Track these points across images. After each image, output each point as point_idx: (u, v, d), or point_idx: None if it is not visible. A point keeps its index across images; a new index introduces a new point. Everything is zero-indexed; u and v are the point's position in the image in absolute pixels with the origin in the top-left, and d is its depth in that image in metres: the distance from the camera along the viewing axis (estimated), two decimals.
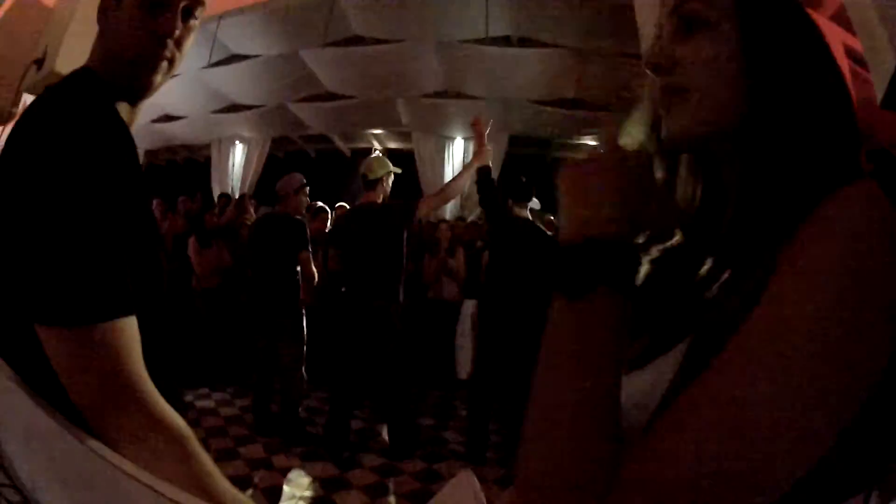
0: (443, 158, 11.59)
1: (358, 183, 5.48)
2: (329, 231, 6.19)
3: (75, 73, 1.32)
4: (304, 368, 5.72)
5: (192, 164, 14.79)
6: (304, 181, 5.83)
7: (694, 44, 0.86)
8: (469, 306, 7.37)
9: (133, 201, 1.21)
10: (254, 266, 5.89)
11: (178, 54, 1.36)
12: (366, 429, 5.93)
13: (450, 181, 5.25)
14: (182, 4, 1.31)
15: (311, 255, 5.70)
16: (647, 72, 0.92)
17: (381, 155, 5.71)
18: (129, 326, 1.13)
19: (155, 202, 8.97)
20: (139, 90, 1.35)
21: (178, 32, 1.32)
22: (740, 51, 0.84)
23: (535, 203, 5.57)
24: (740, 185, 0.88)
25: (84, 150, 1.13)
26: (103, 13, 1.34)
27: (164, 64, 1.34)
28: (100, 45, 1.35)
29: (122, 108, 1.33)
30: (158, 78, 1.35)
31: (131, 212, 1.20)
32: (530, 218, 5.26)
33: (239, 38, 9.42)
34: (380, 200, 5.18)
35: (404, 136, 12.36)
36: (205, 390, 6.90)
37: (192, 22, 1.36)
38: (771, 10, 0.85)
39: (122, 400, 1.09)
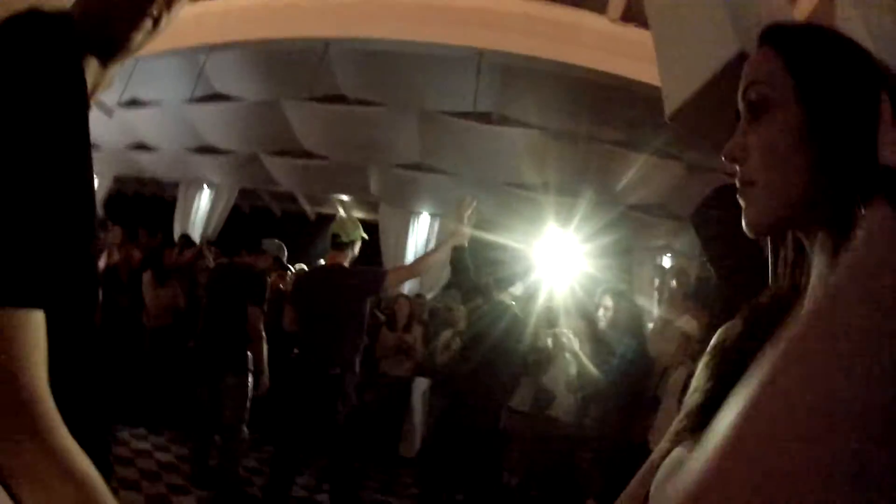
0: (407, 232, 11.55)
1: (322, 246, 5.43)
2: (291, 290, 5.99)
3: (45, 14, 1.12)
4: (245, 426, 5.51)
5: (158, 200, 14.65)
6: (283, 263, 5.80)
7: (760, 130, 0.85)
8: (421, 384, 7.29)
9: (72, 171, 1.06)
10: (206, 313, 5.75)
11: (165, 14, 1.26)
12: (306, 498, 5.70)
13: (423, 257, 5.28)
14: None
15: (261, 314, 5.54)
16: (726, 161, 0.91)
17: (354, 218, 5.66)
18: (33, 322, 0.97)
19: (116, 228, 8.82)
20: (115, 44, 1.24)
21: None
22: (801, 138, 0.81)
23: (519, 287, 5.55)
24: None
25: (26, 99, 1.00)
26: None
27: (148, 21, 1.24)
28: None
29: (91, 66, 1.22)
30: (139, 36, 1.24)
31: (68, 184, 1.05)
32: (511, 302, 5.21)
33: (225, 76, 9.44)
34: (347, 264, 5.07)
35: (371, 205, 12.33)
36: (142, 430, 6.72)
37: None
38: (835, 90, 0.81)
39: (11, 409, 0.93)
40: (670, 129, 7.90)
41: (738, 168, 0.88)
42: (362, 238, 5.16)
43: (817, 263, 0.85)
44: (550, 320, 5.89)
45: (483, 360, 4.92)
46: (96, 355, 1.21)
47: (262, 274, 5.72)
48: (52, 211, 1.00)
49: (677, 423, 0.92)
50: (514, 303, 5.25)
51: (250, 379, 5.58)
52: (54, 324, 1.00)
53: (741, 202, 0.88)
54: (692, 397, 0.92)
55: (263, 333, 5.56)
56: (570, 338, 5.35)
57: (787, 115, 0.82)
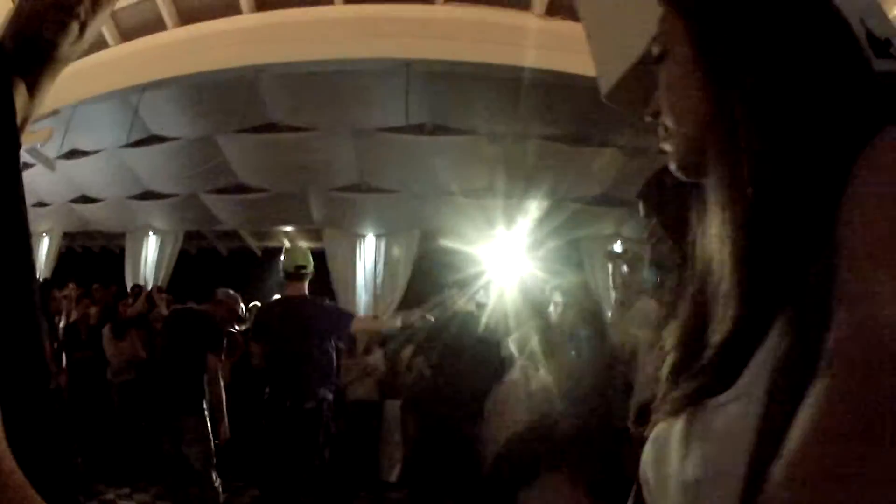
0: (354, 256, 11.45)
1: (273, 279, 5.36)
2: (253, 326, 5.84)
3: None
4: (215, 472, 5.39)
5: (108, 253, 14.49)
6: (243, 313, 5.70)
7: (662, 76, 0.88)
8: (392, 406, 7.25)
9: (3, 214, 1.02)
10: (161, 360, 5.66)
11: (91, 19, 1.24)
12: None
13: (388, 319, 5.21)
14: None
15: (219, 361, 5.46)
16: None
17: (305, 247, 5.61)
18: None
19: (71, 285, 8.71)
20: (41, 54, 1.21)
21: None
22: (694, 70, 0.82)
23: (485, 296, 5.59)
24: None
25: None
26: None
27: (76, 25, 1.22)
28: (14, 12, 1.22)
29: (19, 93, 1.18)
30: (65, 42, 1.22)
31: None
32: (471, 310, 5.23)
33: (159, 116, 9.43)
34: (306, 294, 5.03)
35: (315, 233, 12.19)
36: (126, 490, 6.63)
37: None
38: (718, 21, 0.81)
39: None
40: (607, 118, 8.06)
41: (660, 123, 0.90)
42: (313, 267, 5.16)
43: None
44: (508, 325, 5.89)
45: (454, 371, 4.90)
46: (52, 416, 1.13)
47: (220, 323, 5.61)
48: None
49: (661, 394, 0.85)
50: (473, 310, 5.25)
51: (209, 423, 5.48)
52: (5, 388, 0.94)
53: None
54: (669, 359, 0.86)
55: (221, 381, 5.46)
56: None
57: (679, 54, 0.84)
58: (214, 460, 5.43)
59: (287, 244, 12.91)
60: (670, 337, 0.88)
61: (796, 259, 0.66)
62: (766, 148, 0.72)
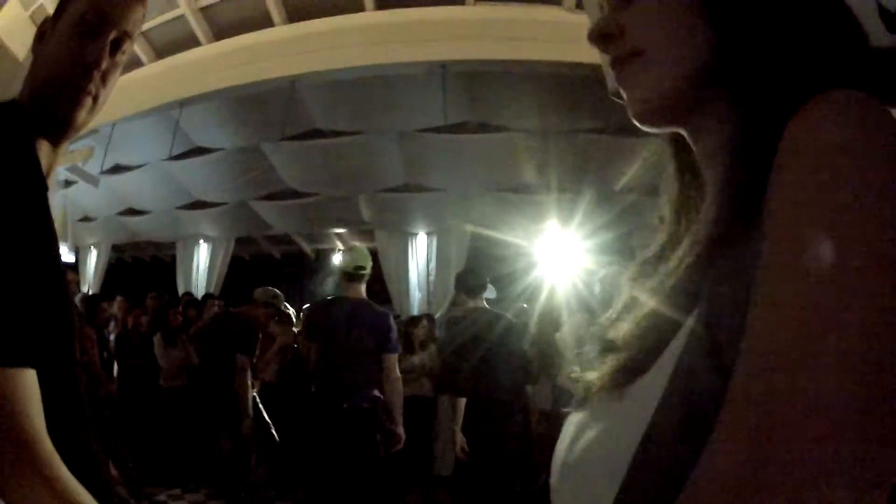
0: (406, 255, 11.48)
1: (328, 281, 5.28)
2: (306, 325, 5.61)
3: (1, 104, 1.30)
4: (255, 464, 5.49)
5: (159, 262, 14.77)
6: (280, 309, 5.72)
7: (638, 4, 0.76)
8: (444, 402, 7.24)
9: (37, 245, 1.19)
10: (202, 362, 5.74)
11: (102, 90, 1.35)
12: None
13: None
14: (111, 35, 1.32)
15: (249, 364, 5.50)
16: (596, 47, 0.81)
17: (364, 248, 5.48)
18: (27, 379, 1.07)
19: (119, 298, 8.91)
20: (61, 126, 1.33)
21: (104, 64, 1.32)
22: None
23: (491, 292, 5.47)
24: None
25: None
26: (38, 40, 1.36)
27: (89, 100, 1.32)
28: (30, 77, 1.35)
29: (43, 148, 1.32)
30: (82, 114, 1.33)
31: (35, 257, 1.17)
32: (487, 306, 5.14)
33: (201, 128, 9.51)
34: (364, 296, 4.98)
35: (367, 233, 12.26)
36: (177, 491, 6.70)
37: (119, 56, 1.36)
38: None
39: (18, 459, 1.03)
40: None
41: (609, 48, 0.79)
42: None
43: (711, 167, 0.76)
44: (554, 320, 5.85)
45: (476, 372, 4.84)
46: (81, 407, 1.28)
47: (254, 323, 5.65)
48: (21, 285, 1.10)
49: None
50: (501, 312, 5.20)
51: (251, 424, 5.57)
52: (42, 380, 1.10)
53: (622, 86, 0.79)
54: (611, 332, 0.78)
55: (249, 382, 5.50)
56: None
57: None
58: (253, 459, 5.53)
59: (339, 245, 13.03)
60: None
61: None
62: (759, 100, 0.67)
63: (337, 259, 12.62)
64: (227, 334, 5.54)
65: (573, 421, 0.77)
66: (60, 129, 1.33)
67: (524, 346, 5.24)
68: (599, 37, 0.79)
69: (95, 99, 1.33)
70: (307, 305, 7.77)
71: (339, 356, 4.81)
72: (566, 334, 5.44)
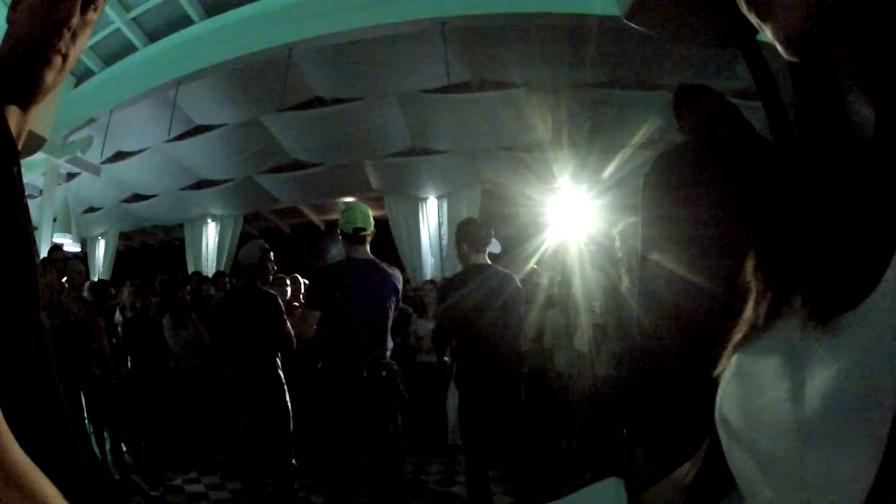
0: (417, 219, 11.39)
1: (336, 250, 4.94)
2: (309, 291, 4.99)
3: None
4: (290, 445, 5.37)
5: (168, 246, 14.80)
6: (266, 246, 5.48)
7: None
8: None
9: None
10: (227, 342, 5.57)
11: (72, 49, 1.31)
12: None
13: None
14: None
15: (290, 328, 5.36)
16: None
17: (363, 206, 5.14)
18: None
19: (128, 282, 8.87)
20: (30, 87, 1.29)
21: (74, 21, 1.28)
22: None
23: (495, 245, 5.19)
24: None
25: None
26: (13, 8, 1.31)
27: (58, 58, 1.28)
28: (2, 44, 1.31)
29: (12, 113, 1.28)
30: (51, 74, 1.28)
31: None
32: (489, 262, 4.82)
33: (200, 106, 9.38)
34: (370, 256, 4.61)
35: (376, 201, 12.08)
36: (194, 474, 6.60)
37: (91, 14, 1.33)
38: None
39: None
40: (651, 60, 7.73)
41: None
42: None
43: None
44: (566, 280, 5.68)
45: (467, 332, 4.65)
46: (49, 382, 1.21)
47: (271, 294, 5.49)
48: None
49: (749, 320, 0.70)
50: (506, 270, 4.92)
51: (287, 396, 5.44)
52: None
53: (764, 24, 0.64)
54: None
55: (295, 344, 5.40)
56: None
57: None
58: (291, 432, 5.41)
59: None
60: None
61: None
62: None
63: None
64: (250, 313, 5.37)
65: (751, 371, 0.66)
66: (29, 90, 1.29)
67: (522, 306, 5.00)
68: None
69: (65, 58, 1.29)
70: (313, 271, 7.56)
71: (350, 321, 4.47)
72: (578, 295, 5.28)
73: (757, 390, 0.64)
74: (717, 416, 0.71)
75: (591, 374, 5.64)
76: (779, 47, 0.64)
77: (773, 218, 0.71)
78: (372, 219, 4.60)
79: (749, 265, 0.71)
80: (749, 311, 0.71)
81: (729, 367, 0.70)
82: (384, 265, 4.63)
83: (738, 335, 0.71)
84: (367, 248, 4.57)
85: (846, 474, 0.51)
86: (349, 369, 4.40)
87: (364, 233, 4.52)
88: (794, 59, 0.65)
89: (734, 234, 1.87)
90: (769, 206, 0.73)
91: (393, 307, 4.58)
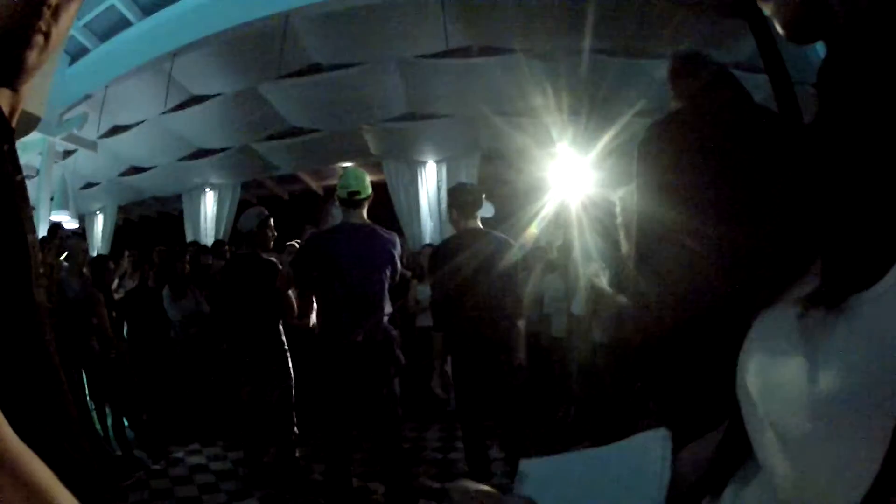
0: (416, 184, 11.39)
1: (337, 213, 4.79)
2: (307, 256, 4.77)
3: None
4: (293, 411, 5.42)
5: (167, 217, 14.77)
6: (266, 213, 5.49)
7: None
8: None
9: None
10: (230, 311, 5.59)
11: (54, 27, 1.23)
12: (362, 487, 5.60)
13: None
14: None
15: (292, 296, 5.40)
16: None
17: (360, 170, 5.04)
18: None
19: (126, 254, 8.84)
20: (13, 68, 1.22)
21: None
22: None
23: (487, 209, 5.13)
24: None
25: None
26: None
27: (39, 38, 1.21)
28: None
29: (2, 93, 1.24)
30: (32, 55, 1.21)
31: None
32: (481, 227, 4.78)
33: (196, 76, 9.34)
34: (367, 220, 4.55)
35: (375, 166, 12.05)
36: (195, 445, 6.65)
37: None
38: None
39: None
40: (650, 28, 7.67)
41: None
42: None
43: None
44: (566, 244, 5.67)
45: (457, 302, 4.63)
46: (47, 361, 1.19)
47: (272, 262, 5.50)
48: None
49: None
50: (502, 235, 4.87)
51: (290, 364, 5.51)
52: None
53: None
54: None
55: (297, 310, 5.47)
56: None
57: None
58: (293, 400, 5.46)
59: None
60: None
61: None
62: None
63: None
64: (252, 281, 5.41)
65: (771, 338, 0.66)
66: (13, 71, 1.23)
67: (522, 271, 4.96)
68: None
69: (47, 36, 1.23)
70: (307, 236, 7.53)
71: (345, 286, 4.44)
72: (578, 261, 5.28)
73: (773, 363, 0.64)
74: (737, 381, 0.71)
75: (589, 339, 5.66)
76: (780, 30, 0.66)
77: (784, 191, 0.70)
78: (368, 182, 4.54)
79: (763, 233, 0.72)
80: (766, 278, 0.70)
81: (749, 335, 0.70)
82: (381, 229, 4.58)
83: (757, 301, 0.71)
84: (363, 212, 4.51)
85: (857, 456, 0.51)
86: (343, 336, 4.40)
87: (358, 196, 4.46)
88: (794, 43, 0.66)
89: (729, 202, 1.88)
90: (779, 178, 0.72)
91: (389, 272, 4.54)
